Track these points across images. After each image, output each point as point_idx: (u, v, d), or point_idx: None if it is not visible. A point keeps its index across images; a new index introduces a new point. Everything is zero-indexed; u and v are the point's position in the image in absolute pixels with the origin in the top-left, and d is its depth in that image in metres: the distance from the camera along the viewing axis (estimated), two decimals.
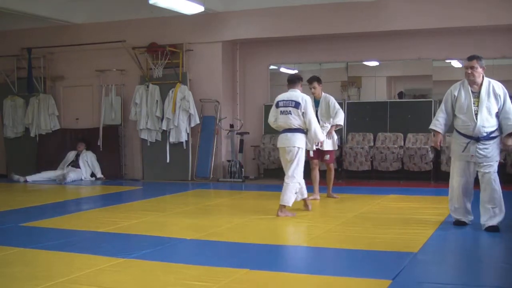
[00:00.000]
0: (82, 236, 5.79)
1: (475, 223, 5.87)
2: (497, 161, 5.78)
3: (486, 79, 5.71)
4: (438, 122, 5.92)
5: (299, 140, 6.74)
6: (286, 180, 6.75)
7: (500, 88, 5.67)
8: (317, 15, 10.34)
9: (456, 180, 5.94)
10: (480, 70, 5.66)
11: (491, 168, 5.73)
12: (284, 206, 6.74)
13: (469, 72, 5.66)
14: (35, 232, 6.08)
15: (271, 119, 7.00)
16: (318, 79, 8.02)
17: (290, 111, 6.71)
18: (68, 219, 6.86)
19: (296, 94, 6.83)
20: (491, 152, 5.71)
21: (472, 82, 5.69)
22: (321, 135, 7.05)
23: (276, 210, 6.77)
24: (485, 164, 5.72)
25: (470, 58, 5.70)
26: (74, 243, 5.44)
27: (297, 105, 6.71)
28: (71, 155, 11.53)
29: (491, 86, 5.65)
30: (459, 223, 5.95)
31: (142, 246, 5.16)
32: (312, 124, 6.74)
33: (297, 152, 6.70)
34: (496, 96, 5.61)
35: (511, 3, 9.25)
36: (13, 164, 12.26)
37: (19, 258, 4.84)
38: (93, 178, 11.41)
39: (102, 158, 11.60)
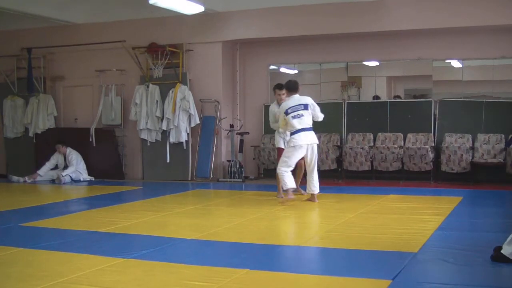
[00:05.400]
0: (82, 236, 5.79)
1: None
2: None
3: None
4: None
5: (316, 137, 7.76)
6: (313, 172, 7.68)
7: None
8: (317, 15, 10.33)
9: None
10: None
11: None
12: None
13: None
14: (34, 232, 6.07)
15: (278, 124, 7.76)
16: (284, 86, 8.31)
17: (302, 114, 7.56)
18: (68, 219, 6.86)
19: (300, 97, 7.73)
20: None
21: None
22: None
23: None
24: None
25: None
26: (74, 243, 5.44)
27: (306, 106, 7.62)
28: (60, 160, 11.46)
29: None
30: None
31: (142, 246, 5.16)
32: (321, 117, 7.83)
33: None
34: None
35: (511, 3, 9.25)
36: (13, 164, 12.26)
37: (19, 258, 4.84)
38: (93, 178, 11.41)
39: (97, 158, 11.59)
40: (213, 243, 5.41)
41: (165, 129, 11.04)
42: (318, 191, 7.79)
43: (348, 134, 10.74)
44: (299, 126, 7.53)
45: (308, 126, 7.61)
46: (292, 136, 7.61)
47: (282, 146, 8.17)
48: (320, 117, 7.84)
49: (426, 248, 4.92)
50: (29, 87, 11.79)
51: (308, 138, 7.59)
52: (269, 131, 11.03)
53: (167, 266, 4.46)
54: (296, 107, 7.59)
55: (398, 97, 11.02)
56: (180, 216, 6.94)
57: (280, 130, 8.05)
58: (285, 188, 7.65)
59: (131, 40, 11.13)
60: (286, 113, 7.58)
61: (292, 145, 7.59)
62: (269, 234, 5.98)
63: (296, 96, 7.73)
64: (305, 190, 8.08)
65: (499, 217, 6.68)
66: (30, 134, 12.04)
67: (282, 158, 7.71)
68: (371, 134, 10.57)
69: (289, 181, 7.59)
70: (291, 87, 7.83)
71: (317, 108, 7.77)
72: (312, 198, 7.79)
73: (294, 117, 7.54)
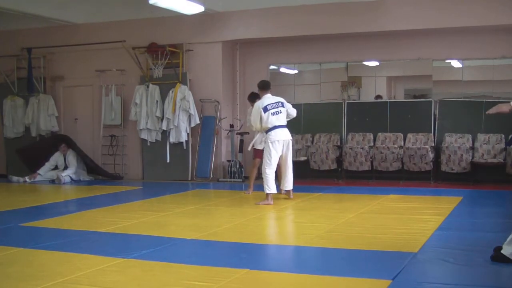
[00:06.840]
0: (82, 236, 5.79)
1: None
2: None
3: None
4: None
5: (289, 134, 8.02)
6: (288, 169, 7.90)
7: None
8: (317, 15, 10.33)
9: None
10: None
11: None
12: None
13: None
14: (35, 232, 6.08)
15: (256, 123, 7.83)
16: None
17: (280, 110, 7.85)
18: (68, 219, 6.87)
19: (276, 96, 8.01)
20: None
21: None
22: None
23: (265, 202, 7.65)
24: None
25: None
26: (74, 243, 5.44)
27: (283, 104, 7.93)
28: (60, 160, 11.47)
29: None
30: None
31: (142, 246, 5.16)
32: (295, 113, 8.07)
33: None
34: None
35: (511, 3, 9.25)
36: (13, 164, 12.25)
37: (19, 258, 4.84)
38: (92, 178, 11.40)
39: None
40: (213, 243, 5.41)
41: (165, 129, 11.04)
42: (291, 187, 8.03)
43: (348, 134, 10.73)
44: (277, 123, 7.78)
45: (284, 124, 7.88)
46: (269, 132, 7.79)
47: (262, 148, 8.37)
48: (294, 113, 8.06)
49: (426, 248, 4.92)
50: (29, 87, 11.79)
51: (284, 134, 7.84)
52: None
53: (167, 266, 4.46)
54: (275, 104, 7.84)
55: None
56: (180, 216, 6.94)
57: (256, 129, 8.04)
58: (267, 192, 7.72)
59: (131, 40, 11.13)
60: (266, 109, 7.77)
61: (270, 141, 7.76)
62: (269, 234, 5.98)
63: (269, 95, 7.95)
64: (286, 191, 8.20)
65: (499, 217, 6.68)
66: (33, 134, 12.03)
67: (265, 159, 7.83)
68: (371, 134, 10.57)
69: (272, 186, 7.76)
70: (265, 86, 8.06)
71: (290, 105, 8.03)
72: (288, 194, 8.08)
73: (273, 114, 7.78)
